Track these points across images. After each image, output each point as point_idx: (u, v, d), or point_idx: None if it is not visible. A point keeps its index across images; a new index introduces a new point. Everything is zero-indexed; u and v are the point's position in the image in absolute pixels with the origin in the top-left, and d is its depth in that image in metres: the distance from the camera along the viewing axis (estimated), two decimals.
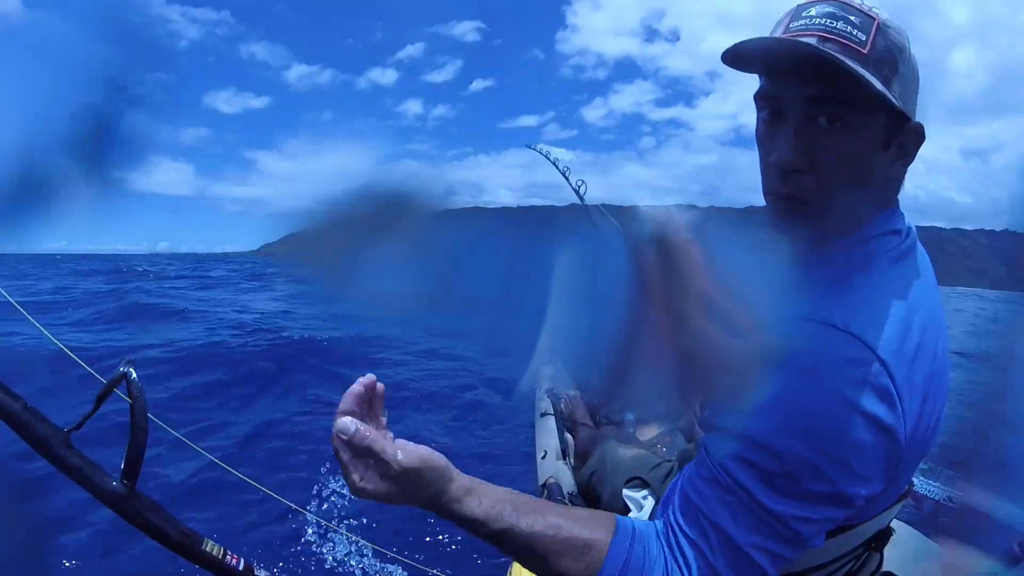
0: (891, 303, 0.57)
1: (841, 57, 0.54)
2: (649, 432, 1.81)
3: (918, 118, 0.62)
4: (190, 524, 0.76)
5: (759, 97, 0.64)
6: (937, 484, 1.21)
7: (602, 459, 1.34)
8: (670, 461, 1.23)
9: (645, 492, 1.17)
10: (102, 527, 2.31)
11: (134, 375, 0.72)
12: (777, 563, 0.54)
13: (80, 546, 2.27)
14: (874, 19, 0.58)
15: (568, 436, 1.94)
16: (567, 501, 1.35)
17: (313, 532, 2.32)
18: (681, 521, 0.57)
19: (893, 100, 0.57)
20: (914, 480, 1.35)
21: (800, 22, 0.59)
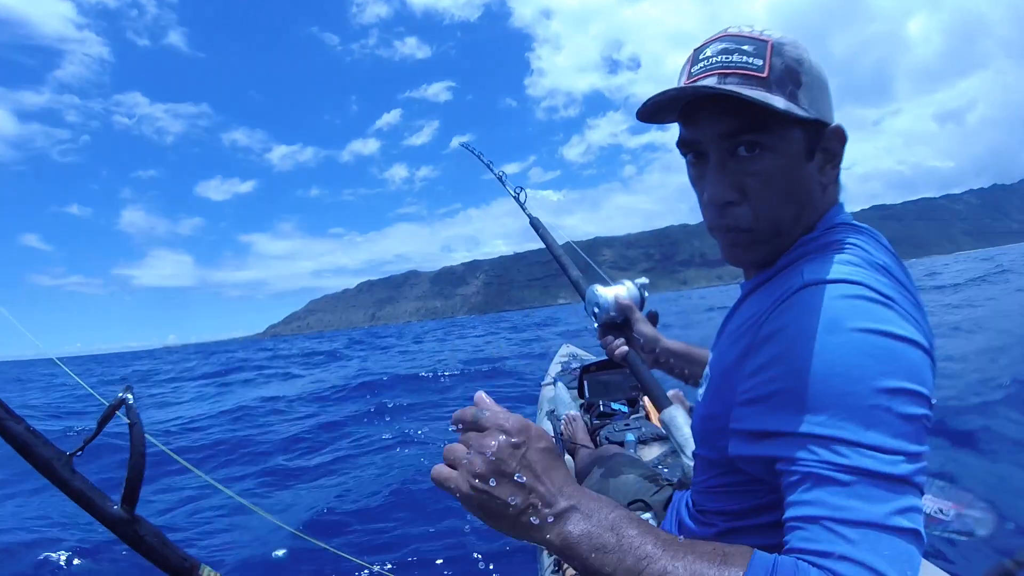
0: (854, 255, 0.58)
1: (739, 89, 0.57)
2: (650, 453, 1.80)
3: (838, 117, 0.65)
4: (188, 548, 0.76)
5: (680, 144, 0.67)
6: (928, 496, 1.22)
7: (604, 481, 1.33)
8: (672, 484, 1.23)
9: (648, 516, 1.17)
10: (103, 548, 2.28)
11: (132, 400, 0.73)
12: (914, 517, 0.46)
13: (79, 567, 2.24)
14: (766, 41, 0.60)
15: (569, 458, 1.94)
16: None
17: (312, 556, 2.29)
18: (811, 544, 0.46)
19: (801, 113, 0.59)
20: None
21: (699, 65, 0.63)
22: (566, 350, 4.48)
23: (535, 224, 1.76)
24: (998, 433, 3.01)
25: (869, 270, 0.56)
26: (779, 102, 0.58)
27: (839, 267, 0.55)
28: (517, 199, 1.85)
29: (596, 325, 1.26)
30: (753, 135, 0.60)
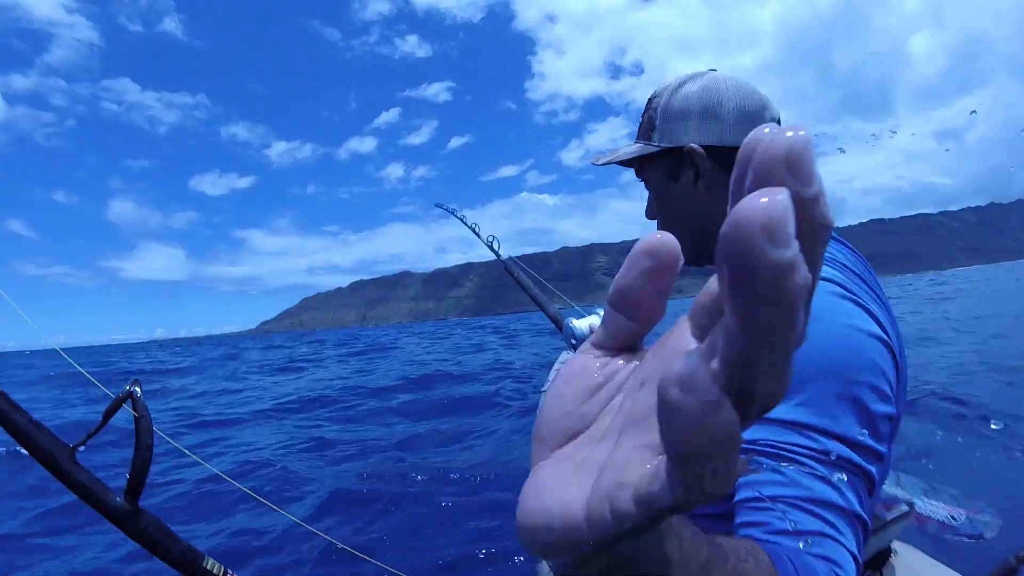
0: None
1: (622, 151, 0.83)
2: None
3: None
4: (193, 538, 0.76)
5: None
6: (940, 504, 1.20)
7: None
8: None
9: None
10: (105, 541, 2.31)
11: (139, 393, 0.73)
12: (866, 506, 0.50)
13: (83, 560, 2.26)
14: (650, 101, 0.79)
15: None
16: None
17: (316, 548, 2.30)
18: (800, 526, 0.47)
19: (651, 148, 0.77)
20: (915, 501, 1.34)
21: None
22: (565, 356, 4.48)
23: (508, 268, 1.90)
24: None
25: (839, 271, 0.62)
26: (632, 148, 0.80)
27: None
28: (491, 247, 2.00)
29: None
30: (640, 175, 0.84)
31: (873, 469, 0.51)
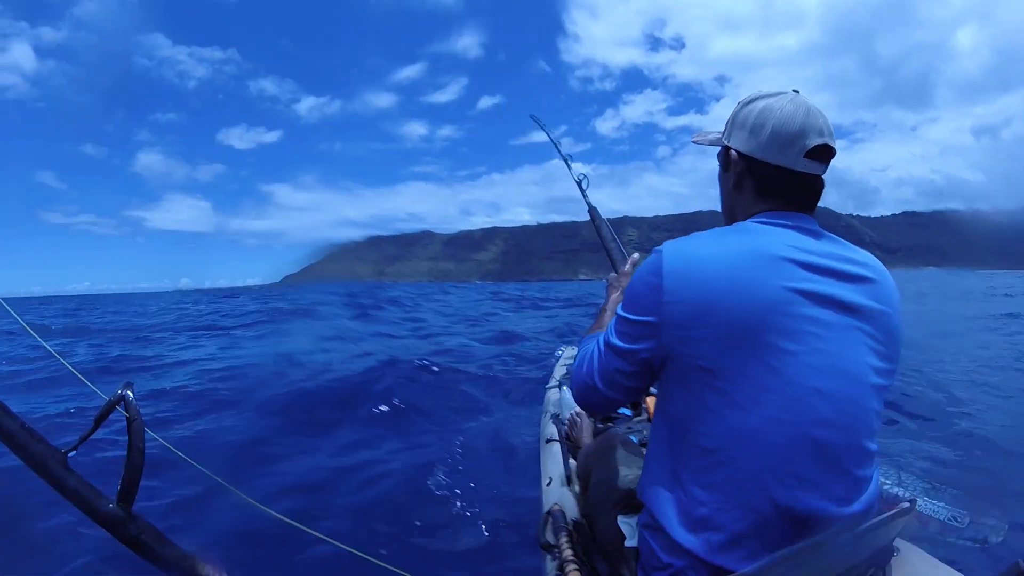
0: (706, 240, 0.84)
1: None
2: None
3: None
4: (189, 542, 0.75)
5: None
6: (942, 504, 1.20)
7: (600, 485, 1.32)
8: None
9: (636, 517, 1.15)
10: (99, 548, 2.29)
11: (131, 396, 0.72)
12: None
13: (76, 568, 2.24)
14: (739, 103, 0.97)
15: (572, 461, 1.93)
16: (571, 528, 1.33)
17: (316, 548, 2.29)
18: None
19: (717, 141, 1.01)
20: (917, 500, 1.33)
21: None
22: (571, 352, 4.49)
23: (594, 216, 1.84)
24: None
25: (689, 247, 0.84)
26: (713, 136, 1.02)
27: (671, 245, 0.86)
28: (580, 184, 1.99)
29: None
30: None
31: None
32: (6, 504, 2.79)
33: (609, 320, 0.92)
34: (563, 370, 3.65)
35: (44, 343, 0.94)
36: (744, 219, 0.91)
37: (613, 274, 1.35)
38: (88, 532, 2.41)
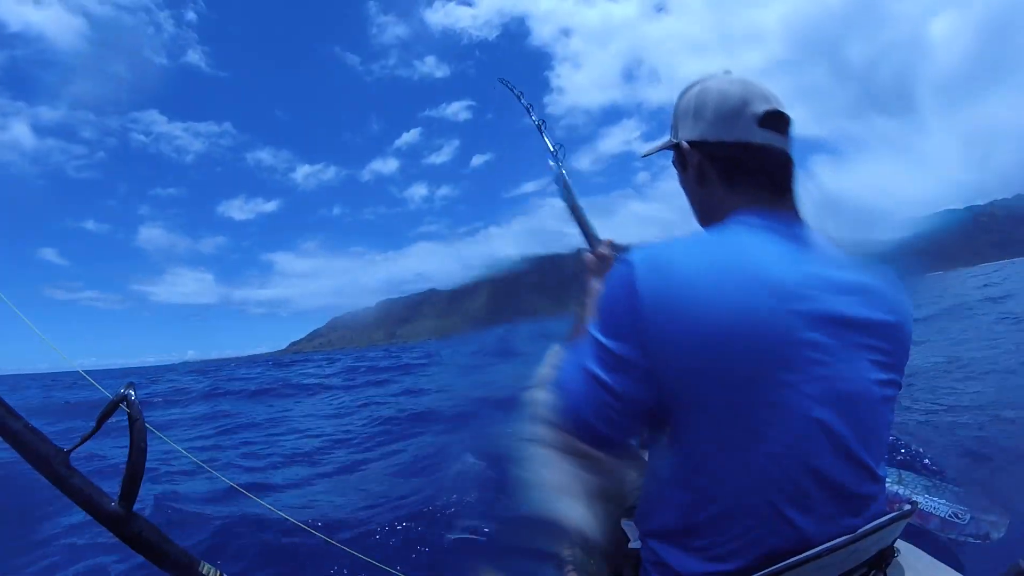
0: (685, 251, 0.74)
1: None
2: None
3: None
4: (190, 538, 0.76)
5: None
6: (943, 501, 1.19)
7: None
8: None
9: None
10: (100, 546, 2.30)
11: (134, 396, 0.72)
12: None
13: (76, 565, 2.26)
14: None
15: None
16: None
17: (316, 550, 2.29)
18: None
19: (662, 144, 0.94)
20: (918, 499, 1.33)
21: None
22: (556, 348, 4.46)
23: (564, 181, 1.69)
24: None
25: (659, 253, 0.74)
26: (659, 143, 0.94)
27: (639, 252, 0.75)
28: (555, 153, 1.79)
29: None
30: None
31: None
32: (9, 503, 2.80)
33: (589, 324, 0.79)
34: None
35: (46, 338, 0.95)
36: (721, 218, 0.83)
37: (589, 254, 1.22)
38: (90, 531, 2.42)
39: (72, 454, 0.69)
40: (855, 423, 0.71)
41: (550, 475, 0.84)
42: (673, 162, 0.93)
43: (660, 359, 0.69)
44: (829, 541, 0.68)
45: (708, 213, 0.87)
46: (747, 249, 0.73)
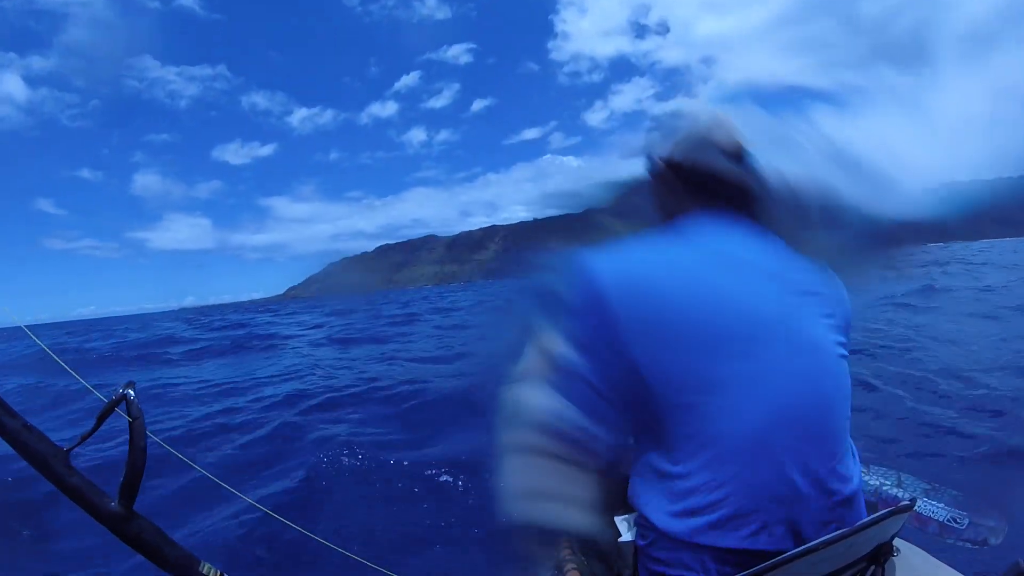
0: (632, 252, 0.83)
1: None
2: None
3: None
4: (189, 545, 0.76)
5: None
6: (941, 504, 1.20)
7: None
8: None
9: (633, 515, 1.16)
10: (100, 546, 2.29)
11: (133, 395, 0.72)
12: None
13: (77, 565, 2.25)
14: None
15: None
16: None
17: (316, 551, 2.29)
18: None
19: (636, 150, 1.04)
20: (916, 500, 1.33)
21: None
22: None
23: None
24: None
25: (612, 261, 0.80)
26: (636, 149, 1.05)
27: (593, 258, 0.82)
28: None
29: None
30: None
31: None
32: (9, 502, 2.79)
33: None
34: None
35: (40, 343, 0.95)
36: (680, 215, 0.93)
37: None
38: (90, 530, 2.42)
39: (71, 453, 0.69)
40: (823, 374, 0.78)
41: (535, 481, 0.86)
42: (646, 168, 1.04)
43: (632, 346, 0.75)
44: (815, 480, 0.73)
45: (668, 212, 0.98)
46: (702, 236, 0.85)
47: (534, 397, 0.84)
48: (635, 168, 1.06)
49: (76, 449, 0.69)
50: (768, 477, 0.72)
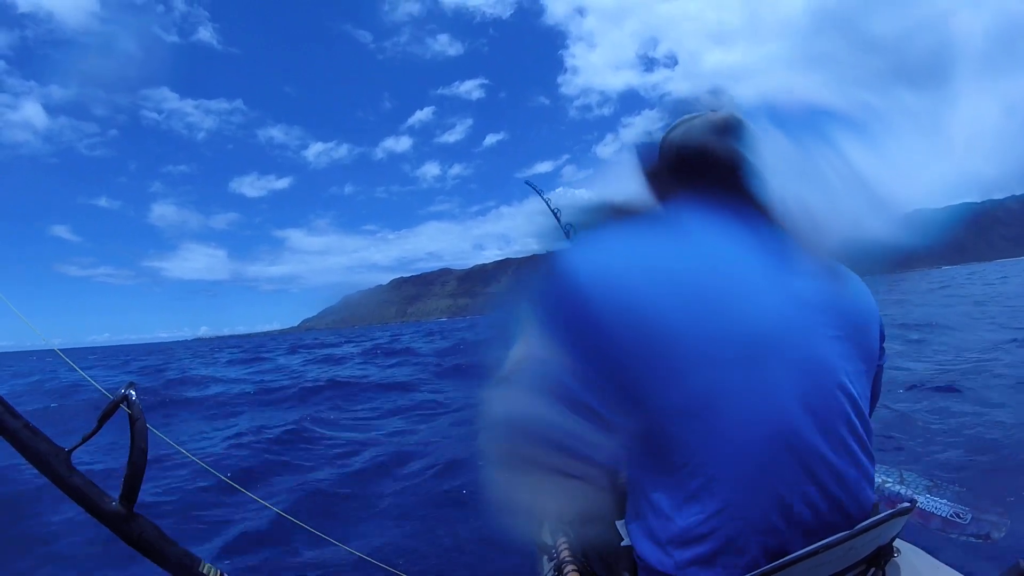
0: (615, 244, 0.74)
1: None
2: None
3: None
4: (187, 537, 0.76)
5: None
6: (944, 500, 1.19)
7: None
8: None
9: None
10: (100, 546, 2.30)
11: (135, 396, 0.73)
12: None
13: (77, 565, 2.26)
14: None
15: None
16: (567, 528, 1.32)
17: (316, 551, 2.29)
18: None
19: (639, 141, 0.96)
20: (920, 498, 1.32)
21: None
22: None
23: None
24: None
25: (597, 254, 0.73)
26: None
27: (575, 252, 0.75)
28: (567, 232, 1.91)
29: None
30: None
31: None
32: (9, 502, 2.81)
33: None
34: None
35: (45, 338, 0.95)
36: (670, 199, 0.87)
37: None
38: (90, 530, 2.42)
39: (73, 453, 0.69)
40: (825, 394, 0.70)
41: (524, 491, 0.77)
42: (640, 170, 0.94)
43: (610, 352, 0.67)
44: (814, 506, 0.68)
45: (660, 195, 0.90)
46: (693, 233, 0.76)
47: (514, 402, 0.75)
48: (623, 188, 0.96)
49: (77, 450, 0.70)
50: (762, 508, 0.66)
